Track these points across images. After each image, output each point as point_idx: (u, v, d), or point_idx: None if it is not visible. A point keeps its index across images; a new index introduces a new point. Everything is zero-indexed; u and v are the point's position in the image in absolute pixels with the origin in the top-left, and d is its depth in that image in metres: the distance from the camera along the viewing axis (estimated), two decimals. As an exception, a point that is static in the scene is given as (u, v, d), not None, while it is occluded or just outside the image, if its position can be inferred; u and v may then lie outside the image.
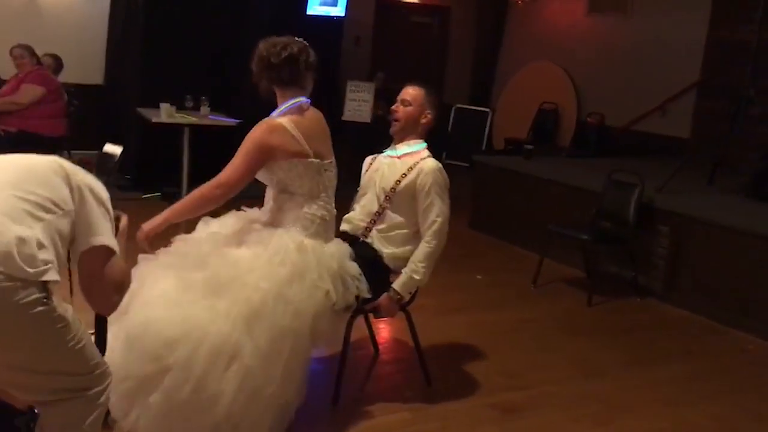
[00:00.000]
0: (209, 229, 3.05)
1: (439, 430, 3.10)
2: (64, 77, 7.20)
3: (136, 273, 2.75)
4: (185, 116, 6.81)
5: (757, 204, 5.51)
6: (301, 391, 2.83)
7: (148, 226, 2.89)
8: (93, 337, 2.42)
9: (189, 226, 3.05)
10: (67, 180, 2.02)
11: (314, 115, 3.09)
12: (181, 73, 7.26)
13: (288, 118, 2.98)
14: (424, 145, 3.38)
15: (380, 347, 3.90)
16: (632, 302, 5.15)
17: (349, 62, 9.17)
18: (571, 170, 6.50)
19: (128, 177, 7.49)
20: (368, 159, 3.51)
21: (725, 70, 7.33)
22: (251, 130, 2.95)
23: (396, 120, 3.35)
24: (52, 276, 1.90)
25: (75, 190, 2.02)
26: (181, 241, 2.98)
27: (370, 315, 3.45)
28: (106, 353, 2.54)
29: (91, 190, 2.06)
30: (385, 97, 9.41)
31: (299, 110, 3.01)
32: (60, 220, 1.97)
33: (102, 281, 2.06)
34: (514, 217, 6.44)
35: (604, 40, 9.03)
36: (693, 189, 5.78)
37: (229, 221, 3.11)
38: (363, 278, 3.03)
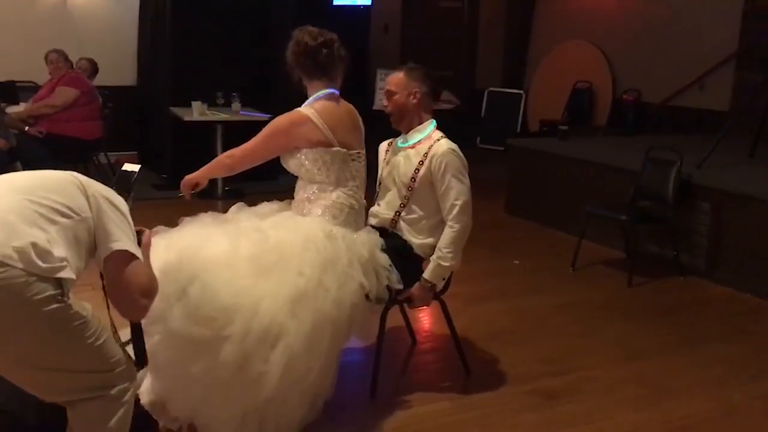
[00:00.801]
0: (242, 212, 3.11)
1: (478, 419, 3.07)
2: (97, 80, 7.30)
3: (181, 232, 2.84)
4: (217, 113, 6.86)
5: (801, 176, 5.34)
6: (333, 382, 2.85)
7: (189, 176, 3.18)
8: (131, 346, 2.44)
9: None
10: (83, 189, 2.06)
11: (344, 106, 3.15)
12: (211, 70, 7.31)
13: (314, 108, 3.04)
14: (434, 124, 3.29)
15: (417, 337, 3.87)
16: (674, 281, 5.04)
17: (378, 51, 9.14)
18: (607, 149, 6.39)
19: (164, 176, 7.57)
20: (383, 146, 3.46)
21: (763, 40, 7.12)
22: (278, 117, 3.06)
23: (390, 114, 3.29)
24: (67, 274, 1.92)
25: (91, 199, 2.05)
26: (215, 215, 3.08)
27: (406, 305, 3.42)
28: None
29: (108, 200, 2.10)
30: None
31: (328, 100, 3.07)
32: (77, 225, 1.99)
33: (127, 285, 2.07)
34: (550, 200, 6.35)
35: (637, 14, 8.83)
36: (733, 163, 5.63)
37: (262, 210, 3.15)
38: (393, 269, 3.02)
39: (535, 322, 4.24)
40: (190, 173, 7.91)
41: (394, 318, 3.62)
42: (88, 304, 2.05)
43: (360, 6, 8.29)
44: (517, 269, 5.27)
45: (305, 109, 3.05)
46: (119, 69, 8.08)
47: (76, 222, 1.99)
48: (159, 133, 7.77)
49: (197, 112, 6.70)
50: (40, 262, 1.85)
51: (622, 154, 5.97)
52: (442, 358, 3.68)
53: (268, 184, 5.73)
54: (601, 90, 9.22)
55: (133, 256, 2.08)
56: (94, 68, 7.31)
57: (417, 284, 3.18)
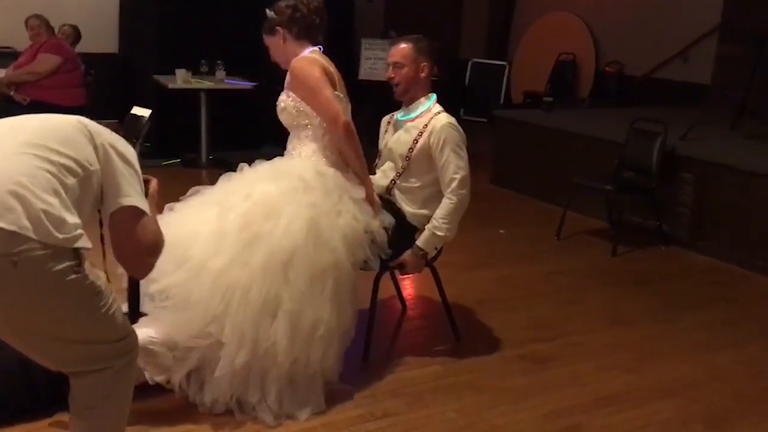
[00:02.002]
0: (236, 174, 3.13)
1: (470, 382, 3.12)
2: (78, 47, 7.20)
3: (165, 224, 2.81)
4: (201, 81, 6.81)
5: (783, 148, 5.43)
6: (355, 317, 2.96)
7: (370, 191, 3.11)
8: (126, 301, 2.46)
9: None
10: (91, 139, 1.98)
11: (330, 61, 3.16)
12: (195, 38, 7.23)
13: (312, 54, 3.08)
14: (434, 98, 3.33)
15: (408, 304, 3.92)
16: (658, 251, 5.13)
17: (362, 21, 9.07)
18: (592, 121, 6.43)
19: (148, 144, 7.49)
20: (385, 119, 3.50)
21: (746, 13, 7.17)
22: (298, 76, 3.01)
23: (396, 85, 3.29)
24: (84, 243, 1.87)
25: (99, 149, 1.98)
26: (201, 192, 3.07)
27: (397, 272, 3.46)
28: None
29: (116, 150, 2.02)
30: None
31: (318, 51, 3.13)
32: (86, 181, 1.93)
33: (134, 243, 2.02)
34: (536, 170, 6.40)
35: (622, -14, 8.85)
36: (716, 135, 5.70)
37: (260, 165, 3.15)
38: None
39: (523, 290, 4.30)
40: (173, 141, 7.85)
41: (385, 285, 3.66)
42: (102, 272, 2.02)
43: (345, -25, 8.21)
44: (504, 239, 5.33)
45: (312, 55, 3.06)
46: (101, 36, 7.98)
47: (84, 178, 1.93)
48: (142, 101, 7.68)
49: (181, 80, 6.64)
50: (56, 233, 1.80)
51: (607, 126, 6.03)
52: (433, 325, 3.73)
53: (252, 152, 5.72)
54: (585, 62, 9.25)
55: (142, 212, 2.02)
56: (77, 35, 7.21)
57: (409, 251, 3.22)
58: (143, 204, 2.03)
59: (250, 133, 7.14)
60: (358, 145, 3.07)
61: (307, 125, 3.06)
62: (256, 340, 2.70)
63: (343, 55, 8.06)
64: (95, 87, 7.22)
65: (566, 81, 9.29)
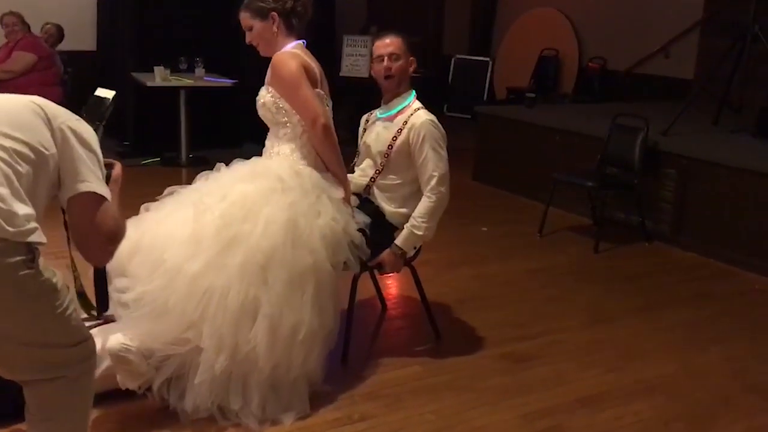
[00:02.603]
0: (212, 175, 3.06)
1: (450, 383, 3.08)
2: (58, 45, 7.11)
3: (139, 226, 2.78)
4: (180, 79, 6.73)
5: (763, 143, 5.41)
6: (338, 318, 2.91)
7: (347, 192, 3.04)
8: (94, 292, 2.39)
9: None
10: (48, 121, 1.88)
11: (313, 56, 3.08)
12: (174, 35, 7.16)
13: (295, 49, 3.00)
14: (414, 94, 3.29)
15: (388, 303, 3.87)
16: (640, 247, 5.11)
17: (344, 17, 9.01)
18: (574, 117, 6.40)
19: (126, 143, 7.43)
20: (365, 117, 3.45)
21: (728, 8, 7.16)
22: (278, 72, 2.92)
23: (391, 77, 3.22)
24: (37, 237, 1.78)
25: (57, 132, 1.88)
26: (178, 191, 3.00)
27: (376, 272, 3.41)
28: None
29: (75, 133, 1.92)
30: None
31: (302, 46, 3.04)
32: (41, 167, 1.84)
33: (93, 230, 1.93)
34: (517, 167, 6.37)
35: (604, -19, 8.83)
36: (698, 130, 5.69)
37: (238, 165, 3.08)
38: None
39: (504, 288, 4.27)
40: (152, 140, 7.77)
41: (365, 285, 3.62)
42: (59, 271, 1.93)
43: (326, -30, 8.14)
44: (486, 236, 5.29)
45: (295, 50, 2.98)
46: (78, 33, 7.83)
47: (40, 163, 1.83)
48: (121, 99, 7.58)
49: (159, 77, 6.56)
50: (7, 226, 1.71)
51: (589, 122, 6.00)
52: (413, 324, 3.69)
53: (233, 151, 5.66)
54: (568, 58, 9.23)
55: (101, 198, 1.93)
56: (60, 34, 7.13)
57: (388, 250, 3.17)
58: (103, 189, 1.94)
59: (230, 131, 7.06)
60: (336, 146, 3.01)
61: (286, 123, 2.99)
62: (235, 345, 2.64)
63: (325, 52, 8.01)
64: (73, 85, 7.11)
65: (549, 77, 9.28)
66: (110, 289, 2.75)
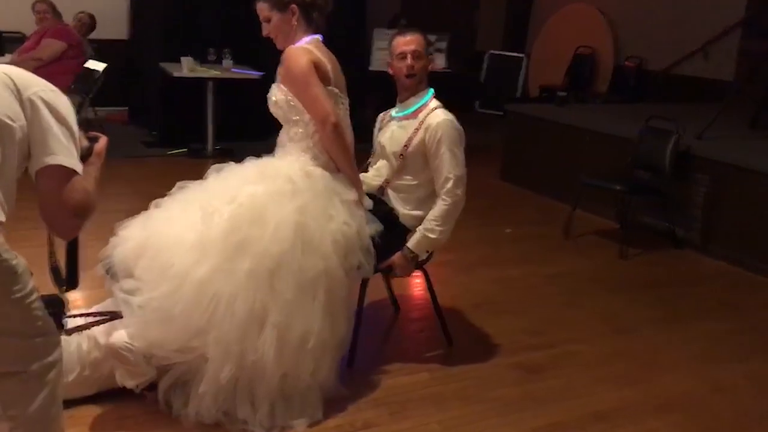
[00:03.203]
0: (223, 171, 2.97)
1: (457, 392, 2.99)
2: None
3: (147, 226, 2.73)
4: (207, 70, 6.71)
5: (803, 149, 5.21)
6: (350, 324, 2.85)
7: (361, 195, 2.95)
8: (64, 266, 2.33)
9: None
10: (17, 92, 1.82)
11: (329, 52, 2.98)
12: (203, 26, 7.14)
13: (313, 46, 2.90)
14: (431, 92, 3.19)
15: (402, 306, 3.79)
16: (668, 254, 4.95)
17: (375, 10, 8.91)
18: (606, 117, 6.25)
19: (154, 133, 7.45)
20: (380, 116, 3.36)
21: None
22: (287, 68, 2.83)
23: (413, 75, 3.12)
24: None
25: (26, 103, 1.82)
26: (188, 188, 2.91)
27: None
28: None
29: (48, 104, 1.85)
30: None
31: (317, 41, 2.94)
32: (5, 139, 1.77)
33: (59, 202, 1.86)
34: (546, 167, 6.23)
35: (643, -21, 8.61)
36: (734, 135, 5.50)
37: (248, 164, 2.99)
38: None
39: (523, 293, 4.16)
40: (179, 131, 7.78)
41: (379, 285, 3.55)
42: (23, 258, 1.85)
43: (358, -37, 8.07)
44: (509, 238, 5.18)
45: (307, 46, 2.88)
46: (111, 22, 7.88)
47: (3, 135, 1.76)
48: (149, 89, 7.62)
49: (187, 68, 6.54)
50: None
51: (621, 123, 5.84)
52: (425, 329, 3.60)
53: (259, 143, 5.61)
54: (604, 56, 9.03)
55: (70, 172, 1.86)
56: (92, 22, 7.17)
57: (399, 253, 3.09)
58: (72, 163, 1.87)
59: (257, 124, 6.98)
60: (347, 146, 2.92)
61: (297, 121, 2.89)
62: (241, 354, 2.57)
63: (355, 45, 7.95)
64: (102, 73, 7.15)
65: (584, 75, 9.10)
66: (115, 288, 2.71)
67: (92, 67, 2.44)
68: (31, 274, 1.87)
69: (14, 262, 1.78)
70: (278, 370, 2.61)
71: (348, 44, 7.66)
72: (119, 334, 2.62)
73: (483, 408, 2.88)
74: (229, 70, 6.78)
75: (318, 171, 2.88)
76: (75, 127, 1.93)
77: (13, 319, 1.81)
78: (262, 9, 2.90)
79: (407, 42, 3.12)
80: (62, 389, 1.98)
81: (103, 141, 2.16)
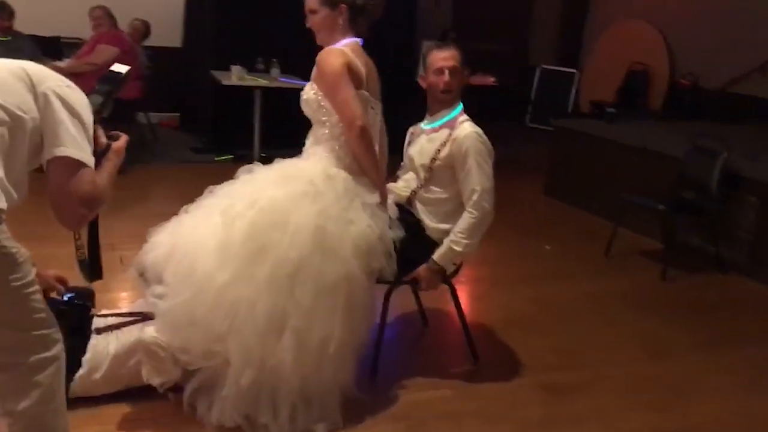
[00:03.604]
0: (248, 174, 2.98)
1: (479, 411, 2.93)
2: (145, 41, 7.31)
3: (176, 231, 2.76)
4: (255, 78, 6.78)
5: None
6: (371, 328, 2.85)
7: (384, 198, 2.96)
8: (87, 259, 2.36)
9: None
10: (31, 86, 1.88)
11: (367, 56, 2.98)
12: (253, 35, 7.21)
13: (345, 47, 2.89)
14: (461, 106, 3.16)
15: (431, 320, 3.73)
16: (713, 278, 4.79)
17: (426, 22, 8.90)
18: (655, 135, 6.07)
19: (203, 139, 7.56)
20: (410, 129, 3.34)
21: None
22: (321, 67, 2.84)
23: (449, 91, 3.10)
24: None
25: (40, 97, 1.88)
26: (214, 192, 2.91)
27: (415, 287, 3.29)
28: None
29: (61, 98, 1.90)
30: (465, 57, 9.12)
31: (356, 44, 2.94)
32: (16, 130, 1.83)
33: (66, 192, 1.90)
34: (591, 183, 6.11)
35: (701, -6, 8.40)
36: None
37: (272, 166, 3.00)
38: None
39: (558, 312, 4.06)
40: (228, 137, 7.86)
41: (409, 298, 3.52)
42: (22, 247, 1.88)
43: (409, -25, 8.07)
44: (548, 254, 5.08)
45: (344, 48, 2.87)
46: (166, 30, 8.04)
47: (14, 126, 1.82)
48: (200, 96, 7.74)
49: (236, 76, 6.63)
50: None
51: (671, 141, 5.67)
52: (452, 344, 3.54)
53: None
54: (658, 72, 8.83)
55: (78, 164, 1.90)
56: (146, 29, 7.32)
57: (424, 265, 3.05)
58: (80, 155, 1.91)
59: (302, 132, 7.07)
60: (373, 150, 2.91)
61: (325, 122, 2.91)
62: (262, 358, 2.57)
63: (404, 57, 7.95)
64: (156, 80, 7.30)
65: (637, 92, 8.91)
66: (148, 293, 2.76)
67: (116, 70, 2.49)
68: (34, 265, 1.89)
69: (14, 250, 1.81)
70: (298, 375, 2.60)
71: (397, 56, 7.69)
72: (149, 330, 2.67)
73: (502, 428, 2.82)
74: (277, 79, 6.85)
75: (341, 174, 2.87)
76: (88, 122, 1.97)
77: (7, 309, 1.82)
78: (314, 3, 2.91)
79: (445, 57, 3.10)
80: (62, 386, 1.99)
81: (122, 140, 2.22)
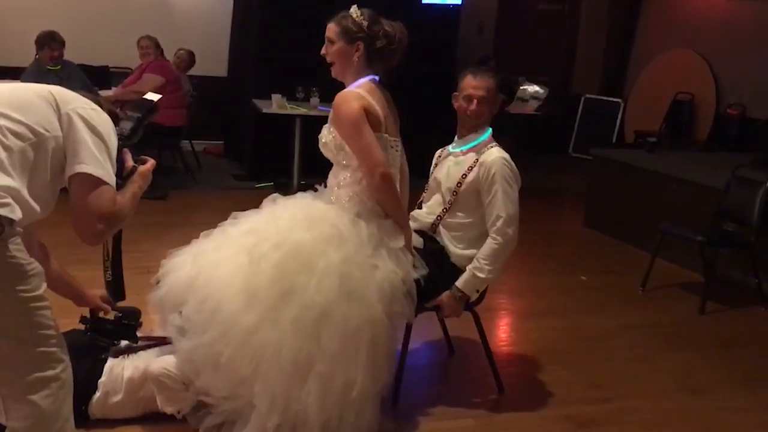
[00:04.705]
0: (274, 206, 2.97)
1: (500, 441, 2.89)
2: (191, 70, 7.50)
3: (197, 262, 2.76)
4: (295, 107, 6.88)
5: None
6: (392, 370, 2.81)
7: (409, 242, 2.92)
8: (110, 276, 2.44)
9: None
10: (56, 106, 1.98)
11: (385, 92, 2.95)
12: (295, 64, 7.31)
13: (366, 90, 2.85)
14: (489, 131, 3.16)
15: (457, 348, 3.70)
16: (753, 312, 4.64)
17: (468, 52, 8.93)
18: (698, 165, 5.97)
19: (244, 166, 7.68)
20: (438, 152, 3.34)
21: None
22: (337, 113, 2.81)
23: (476, 116, 3.09)
24: (7, 212, 1.79)
25: (64, 117, 1.98)
26: (238, 220, 2.92)
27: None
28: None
29: (84, 119, 2.00)
30: (504, 85, 9.10)
31: (372, 83, 2.89)
32: (39, 147, 1.91)
33: (85, 208, 1.96)
34: (630, 214, 6.01)
35: (747, 25, 8.24)
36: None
37: (293, 201, 3.00)
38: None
39: (589, 344, 3.98)
40: (268, 165, 7.93)
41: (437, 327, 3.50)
42: (40, 266, 1.93)
43: (450, 5, 8.09)
44: (583, 285, 4.99)
45: (359, 90, 2.83)
46: (212, 59, 8.25)
47: (38, 143, 1.91)
48: (242, 124, 7.89)
49: (276, 104, 6.74)
50: None
51: (714, 171, 5.55)
52: (477, 373, 3.48)
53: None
54: (704, 102, 8.68)
55: (98, 181, 1.97)
56: (191, 59, 7.53)
57: (447, 292, 3.03)
58: (100, 173, 1.98)
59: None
60: (397, 194, 2.88)
61: (345, 166, 2.88)
62: (287, 403, 2.55)
63: (444, 85, 7.97)
64: (201, 108, 7.48)
65: (683, 121, 8.75)
66: (167, 316, 2.78)
67: (148, 98, 2.59)
68: (43, 279, 1.93)
69: (24, 261, 1.86)
70: (320, 418, 2.56)
71: (436, 83, 7.72)
72: (158, 362, 2.68)
73: (524, 460, 2.77)
74: (316, 107, 6.93)
75: (363, 222, 2.83)
76: (111, 144, 2.06)
77: (12, 320, 1.85)
78: (331, 30, 2.90)
79: (476, 86, 3.08)
80: (67, 408, 1.99)
81: (149, 164, 2.29)
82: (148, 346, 2.85)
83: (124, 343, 2.83)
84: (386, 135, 2.89)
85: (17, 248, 1.84)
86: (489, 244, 3.00)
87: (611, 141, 9.44)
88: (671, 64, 9.12)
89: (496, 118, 3.24)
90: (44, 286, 1.93)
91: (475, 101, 3.07)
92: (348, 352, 2.60)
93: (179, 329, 2.68)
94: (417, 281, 2.88)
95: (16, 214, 1.82)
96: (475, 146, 3.13)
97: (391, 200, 2.86)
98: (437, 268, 3.03)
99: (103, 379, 2.72)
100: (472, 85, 3.10)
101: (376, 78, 2.93)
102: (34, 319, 1.88)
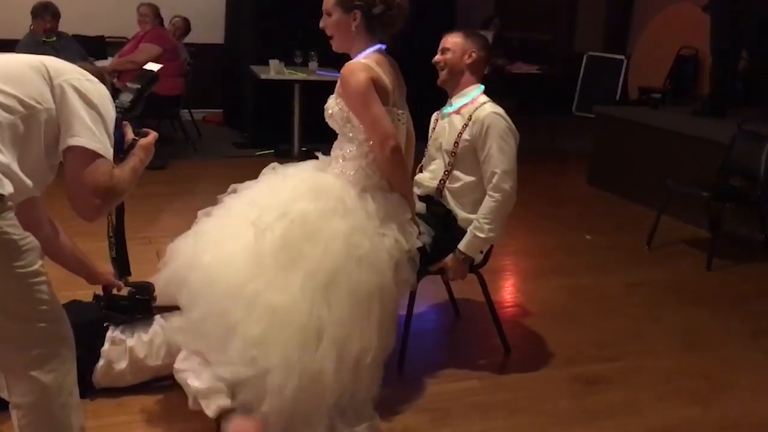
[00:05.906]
0: (275, 176, 2.94)
1: (506, 402, 2.87)
2: (188, 38, 7.40)
3: (199, 241, 2.73)
4: (293, 72, 6.80)
5: None
6: (392, 342, 2.76)
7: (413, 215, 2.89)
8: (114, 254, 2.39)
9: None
10: (48, 77, 1.91)
11: (392, 62, 2.88)
12: (292, 28, 7.23)
13: (369, 59, 2.78)
14: (481, 88, 3.10)
15: (463, 310, 3.69)
16: (760, 267, 4.61)
17: (467, 10, 8.80)
18: (702, 120, 5.90)
19: (245, 134, 7.63)
20: (435, 115, 3.28)
21: None
22: (345, 85, 2.72)
23: (441, 69, 3.09)
24: None
25: (56, 88, 1.91)
26: (238, 192, 2.88)
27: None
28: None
29: (78, 90, 1.93)
30: (504, 45, 8.98)
31: (380, 54, 2.82)
32: (31, 120, 1.86)
33: (80, 182, 1.91)
34: (634, 172, 5.96)
35: (753, -25, 8.09)
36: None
37: (301, 167, 2.96)
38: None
39: (594, 303, 3.96)
40: (269, 132, 7.92)
41: (440, 289, 3.48)
42: (31, 235, 1.87)
43: (448, -37, 7.97)
44: (589, 245, 4.96)
45: (367, 61, 2.76)
46: (207, 26, 8.14)
47: (29, 115, 1.85)
48: (241, 91, 7.81)
49: (274, 70, 6.67)
50: None
51: (718, 126, 5.50)
52: (484, 335, 3.47)
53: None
54: (709, 57, 8.54)
55: (93, 154, 1.90)
56: (186, 27, 7.43)
57: (451, 255, 3.00)
58: (95, 146, 1.91)
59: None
60: (406, 168, 2.85)
61: (352, 138, 2.81)
62: (302, 366, 2.47)
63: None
64: (198, 77, 7.39)
65: (687, 77, 8.64)
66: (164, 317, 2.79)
67: (148, 68, 2.53)
68: (41, 256, 1.89)
69: (17, 237, 1.80)
70: (336, 388, 2.52)
71: (434, 47, 7.60)
72: (201, 380, 2.55)
73: (530, 420, 2.76)
74: (314, 72, 6.86)
75: (370, 192, 2.79)
76: (107, 115, 1.98)
77: (9, 296, 1.81)
78: (327, 2, 2.82)
79: (444, 40, 3.11)
80: (71, 380, 1.97)
81: (150, 136, 2.23)
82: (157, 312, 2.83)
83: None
84: (394, 108, 2.83)
85: (9, 224, 1.79)
86: (487, 202, 2.96)
87: (615, 99, 9.33)
88: (675, 19, 8.97)
89: (493, 78, 3.19)
90: (41, 260, 1.89)
91: (439, 53, 3.08)
92: (360, 316, 2.57)
93: (185, 306, 2.63)
94: (422, 248, 2.85)
95: (6, 189, 1.78)
96: (466, 104, 3.08)
97: (400, 173, 2.83)
98: (444, 231, 3.01)
99: (105, 347, 2.71)
100: (444, 40, 3.12)
101: (383, 47, 2.85)
102: (33, 295, 1.84)
